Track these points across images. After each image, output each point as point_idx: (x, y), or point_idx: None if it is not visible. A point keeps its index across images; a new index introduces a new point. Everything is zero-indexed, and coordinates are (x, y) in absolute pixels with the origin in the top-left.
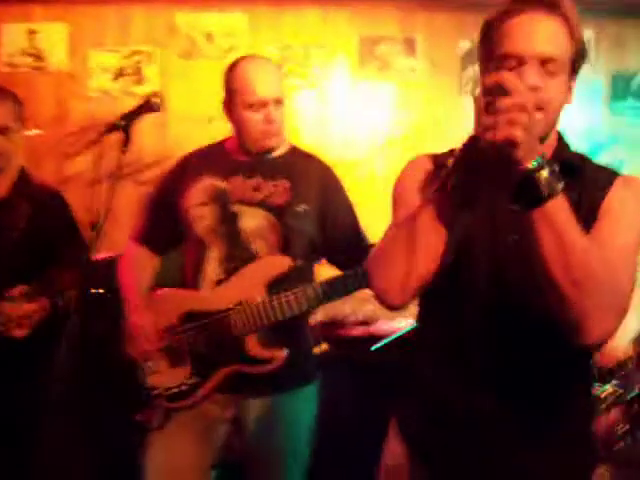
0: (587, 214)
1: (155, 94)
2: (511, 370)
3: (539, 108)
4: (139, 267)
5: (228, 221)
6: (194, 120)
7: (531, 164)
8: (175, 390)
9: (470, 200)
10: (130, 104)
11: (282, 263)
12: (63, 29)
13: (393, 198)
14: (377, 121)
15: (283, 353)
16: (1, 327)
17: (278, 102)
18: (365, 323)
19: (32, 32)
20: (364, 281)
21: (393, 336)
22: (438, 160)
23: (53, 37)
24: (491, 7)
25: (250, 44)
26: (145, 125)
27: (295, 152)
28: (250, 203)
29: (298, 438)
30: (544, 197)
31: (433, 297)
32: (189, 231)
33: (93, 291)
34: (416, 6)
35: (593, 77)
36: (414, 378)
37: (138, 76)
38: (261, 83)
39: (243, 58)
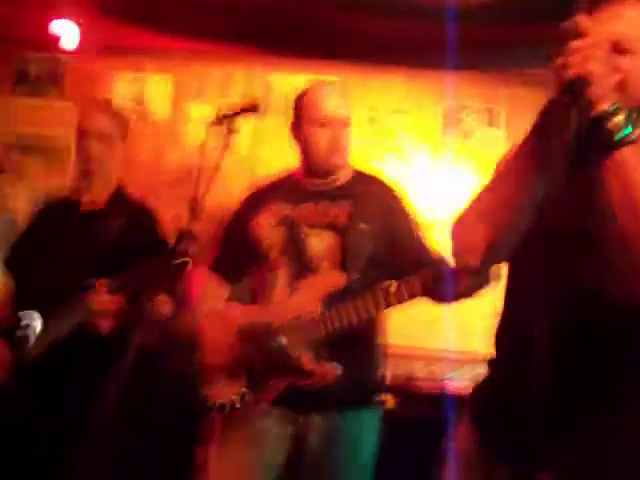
0: None
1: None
2: (585, 353)
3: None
4: (210, 291)
5: (296, 243)
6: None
7: (606, 106)
8: (230, 403)
9: (549, 163)
10: (219, 156)
11: (337, 279)
12: (169, 81)
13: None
14: (458, 187)
15: (336, 368)
16: (86, 319)
17: (343, 123)
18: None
19: (141, 82)
20: (419, 289)
21: None
22: None
23: (159, 88)
24: None
25: None
26: (234, 173)
27: (359, 176)
28: (317, 226)
29: (360, 460)
30: (616, 142)
31: (513, 272)
32: (259, 255)
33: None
34: (499, 78)
35: None
36: (491, 362)
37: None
38: (328, 103)
39: (313, 84)
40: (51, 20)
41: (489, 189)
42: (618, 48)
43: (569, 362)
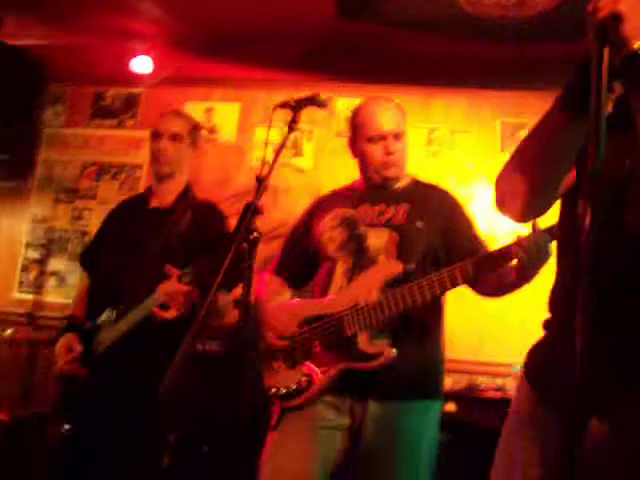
0: None
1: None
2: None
3: None
4: (273, 290)
5: (355, 241)
6: None
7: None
8: (289, 389)
9: (584, 110)
10: (287, 175)
11: (395, 267)
12: (236, 108)
13: None
14: None
15: (392, 350)
16: (162, 302)
17: (397, 136)
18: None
19: (210, 110)
20: (473, 272)
21: None
22: None
23: (227, 114)
24: None
25: None
26: (297, 192)
27: (417, 183)
28: (375, 225)
29: (419, 452)
30: None
31: (562, 230)
32: (320, 255)
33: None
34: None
35: None
36: (546, 323)
37: (296, 150)
38: (380, 118)
39: (366, 100)
40: (126, 55)
41: (527, 139)
42: None
43: (615, 316)
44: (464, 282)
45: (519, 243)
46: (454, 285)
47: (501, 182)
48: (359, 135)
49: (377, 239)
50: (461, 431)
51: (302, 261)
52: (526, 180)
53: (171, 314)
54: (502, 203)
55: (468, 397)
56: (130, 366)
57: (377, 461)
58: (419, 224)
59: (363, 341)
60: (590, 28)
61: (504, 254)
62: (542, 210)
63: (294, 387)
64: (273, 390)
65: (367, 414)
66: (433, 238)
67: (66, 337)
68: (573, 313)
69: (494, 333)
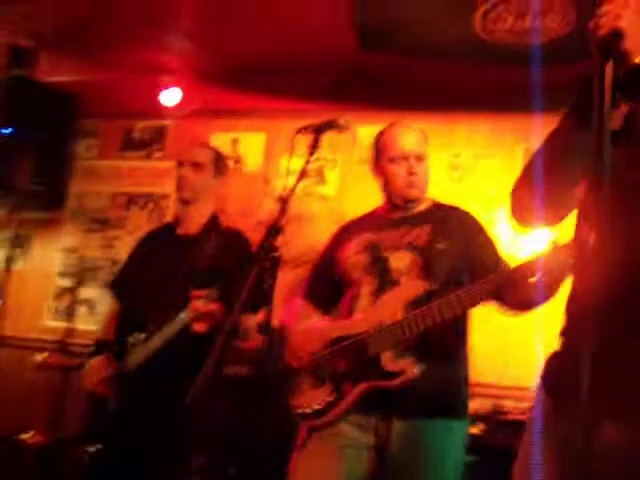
0: None
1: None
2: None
3: None
4: (300, 314)
5: (379, 264)
6: None
7: None
8: (315, 408)
9: (590, 123)
10: (311, 203)
11: (417, 287)
12: (261, 138)
13: None
14: (541, 230)
15: (414, 368)
16: (189, 320)
17: (419, 158)
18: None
19: (235, 140)
20: (492, 291)
21: None
22: None
23: (252, 144)
24: None
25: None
26: (321, 219)
27: (438, 205)
28: (398, 247)
29: (444, 470)
30: None
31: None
32: (346, 280)
33: None
34: None
35: None
36: (562, 332)
37: (320, 178)
38: (403, 140)
39: (389, 124)
40: (154, 88)
41: (538, 150)
42: None
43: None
44: (482, 300)
45: (538, 260)
46: (473, 304)
47: (515, 192)
48: (382, 156)
49: (400, 261)
50: (487, 453)
51: (329, 287)
52: (537, 190)
53: (202, 327)
54: (516, 213)
55: (494, 420)
56: (157, 386)
57: (402, 479)
58: (441, 245)
59: (386, 359)
60: (592, 45)
61: (523, 271)
62: (555, 220)
63: (320, 406)
64: (299, 410)
65: (392, 432)
66: (455, 259)
67: (96, 359)
68: (585, 322)
69: (519, 357)
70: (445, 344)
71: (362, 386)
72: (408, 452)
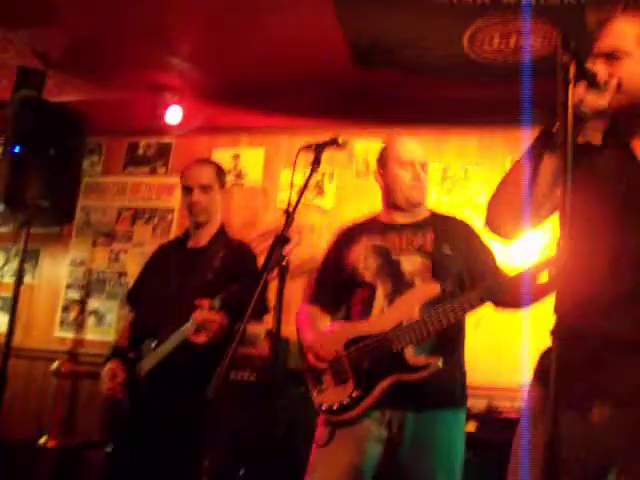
0: None
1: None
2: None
3: None
4: (311, 318)
5: (391, 267)
6: None
7: None
8: (338, 405)
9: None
10: (310, 214)
11: (433, 288)
12: (261, 153)
13: None
14: (531, 237)
15: (439, 360)
16: (193, 329)
17: (423, 166)
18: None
19: (236, 156)
20: (508, 288)
21: None
22: None
23: (252, 159)
24: None
25: None
26: (320, 230)
27: (435, 215)
28: (407, 251)
29: (452, 459)
30: None
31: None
32: (355, 282)
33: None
34: None
35: None
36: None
37: (319, 190)
38: (411, 148)
39: (398, 136)
40: (158, 107)
41: (510, 169)
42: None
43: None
44: (484, 302)
45: (540, 265)
46: (480, 304)
47: (490, 205)
48: (390, 161)
49: (410, 265)
50: (481, 449)
51: (335, 289)
52: (508, 204)
53: (202, 339)
54: (490, 223)
55: (488, 418)
56: (167, 389)
57: (415, 470)
58: (446, 250)
59: (410, 355)
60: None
61: (524, 276)
62: (524, 230)
63: (346, 402)
64: (324, 407)
65: (404, 425)
66: (459, 263)
67: (111, 363)
68: (575, 318)
69: (511, 358)
70: (452, 339)
71: (388, 380)
72: (420, 443)
